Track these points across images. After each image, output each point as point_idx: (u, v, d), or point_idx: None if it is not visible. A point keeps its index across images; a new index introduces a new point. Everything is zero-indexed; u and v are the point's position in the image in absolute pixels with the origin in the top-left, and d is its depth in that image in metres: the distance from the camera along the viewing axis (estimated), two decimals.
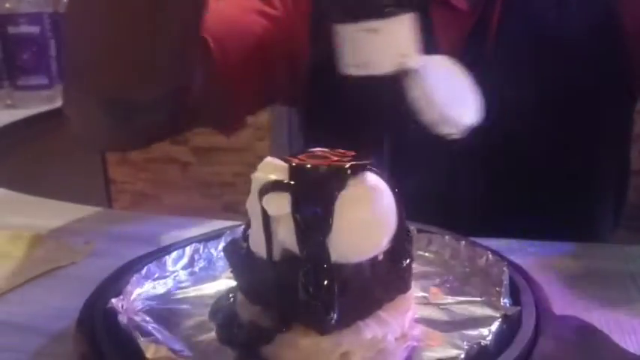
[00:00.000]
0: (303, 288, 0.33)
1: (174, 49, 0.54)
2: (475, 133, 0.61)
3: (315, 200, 0.33)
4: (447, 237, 0.46)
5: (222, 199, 2.91)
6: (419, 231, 0.47)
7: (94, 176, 2.03)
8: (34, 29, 1.59)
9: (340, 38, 0.38)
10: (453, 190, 0.64)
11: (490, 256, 0.42)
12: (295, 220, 0.33)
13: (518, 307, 0.35)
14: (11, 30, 1.57)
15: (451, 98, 0.38)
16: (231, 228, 0.48)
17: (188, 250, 0.45)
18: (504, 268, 0.39)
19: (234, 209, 2.61)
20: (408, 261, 0.38)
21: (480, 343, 0.31)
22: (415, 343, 0.35)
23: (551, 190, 0.65)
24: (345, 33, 0.38)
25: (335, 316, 0.32)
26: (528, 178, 0.64)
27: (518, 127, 0.62)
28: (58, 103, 1.69)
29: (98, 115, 0.58)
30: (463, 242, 0.44)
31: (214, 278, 0.44)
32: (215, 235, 0.47)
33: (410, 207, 0.39)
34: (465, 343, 0.34)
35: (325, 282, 0.33)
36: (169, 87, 0.56)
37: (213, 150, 2.98)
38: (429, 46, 0.61)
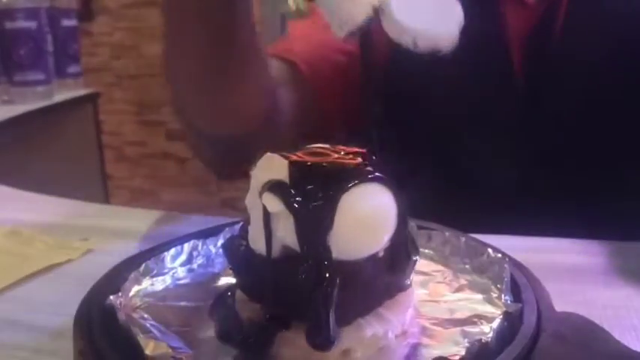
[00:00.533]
0: (304, 285, 0.33)
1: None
2: (541, 125, 0.64)
3: (316, 198, 0.33)
4: (447, 233, 0.45)
5: (219, 195, 2.90)
6: (419, 227, 0.47)
7: (92, 172, 2.03)
8: (31, 24, 1.58)
9: (321, 8, 0.41)
10: (509, 181, 0.66)
11: (491, 252, 0.41)
12: (296, 217, 0.33)
13: (520, 304, 0.35)
14: (8, 25, 1.56)
15: (425, 19, 0.40)
16: (230, 225, 0.47)
17: (186, 246, 0.45)
18: (505, 265, 0.39)
19: (232, 205, 2.61)
20: (408, 258, 0.38)
21: (481, 340, 0.31)
22: (416, 340, 0.35)
23: (605, 187, 0.65)
24: (319, 2, 0.41)
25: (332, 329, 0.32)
26: (588, 175, 0.65)
27: (582, 120, 0.63)
28: (55, 98, 1.69)
29: (206, 147, 0.65)
30: (463, 239, 0.44)
31: (213, 275, 0.44)
32: (213, 232, 0.47)
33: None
34: (465, 340, 0.34)
35: (326, 277, 0.32)
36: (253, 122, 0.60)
37: None
38: (498, 38, 0.65)
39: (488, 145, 0.65)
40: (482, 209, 0.60)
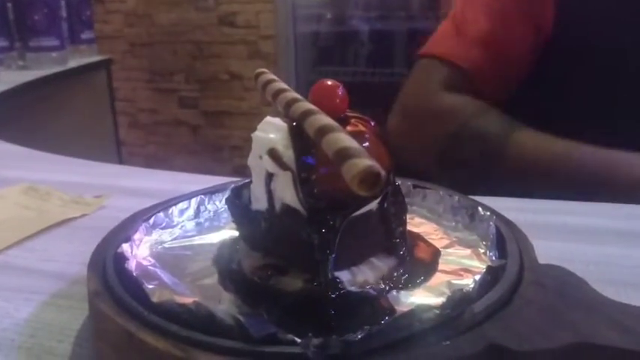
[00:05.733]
0: (306, 238, 0.35)
1: None
2: None
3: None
4: (441, 192, 0.47)
5: (231, 162, 2.93)
6: (414, 187, 0.49)
7: (106, 139, 2.06)
8: None
9: None
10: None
11: (480, 210, 0.43)
12: (299, 177, 0.35)
13: (504, 260, 0.37)
14: None
15: None
16: (235, 183, 0.49)
17: (194, 202, 0.48)
18: (491, 222, 0.41)
19: (243, 173, 2.63)
20: (398, 214, 0.40)
21: (463, 289, 0.33)
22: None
23: None
24: None
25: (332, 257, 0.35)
26: None
27: None
28: (69, 64, 1.71)
29: None
30: (456, 197, 0.46)
31: (218, 228, 0.47)
32: (220, 189, 0.49)
33: None
34: (449, 291, 0.36)
35: (326, 231, 0.35)
36: None
37: (222, 114, 3.00)
38: None
39: None
40: None
